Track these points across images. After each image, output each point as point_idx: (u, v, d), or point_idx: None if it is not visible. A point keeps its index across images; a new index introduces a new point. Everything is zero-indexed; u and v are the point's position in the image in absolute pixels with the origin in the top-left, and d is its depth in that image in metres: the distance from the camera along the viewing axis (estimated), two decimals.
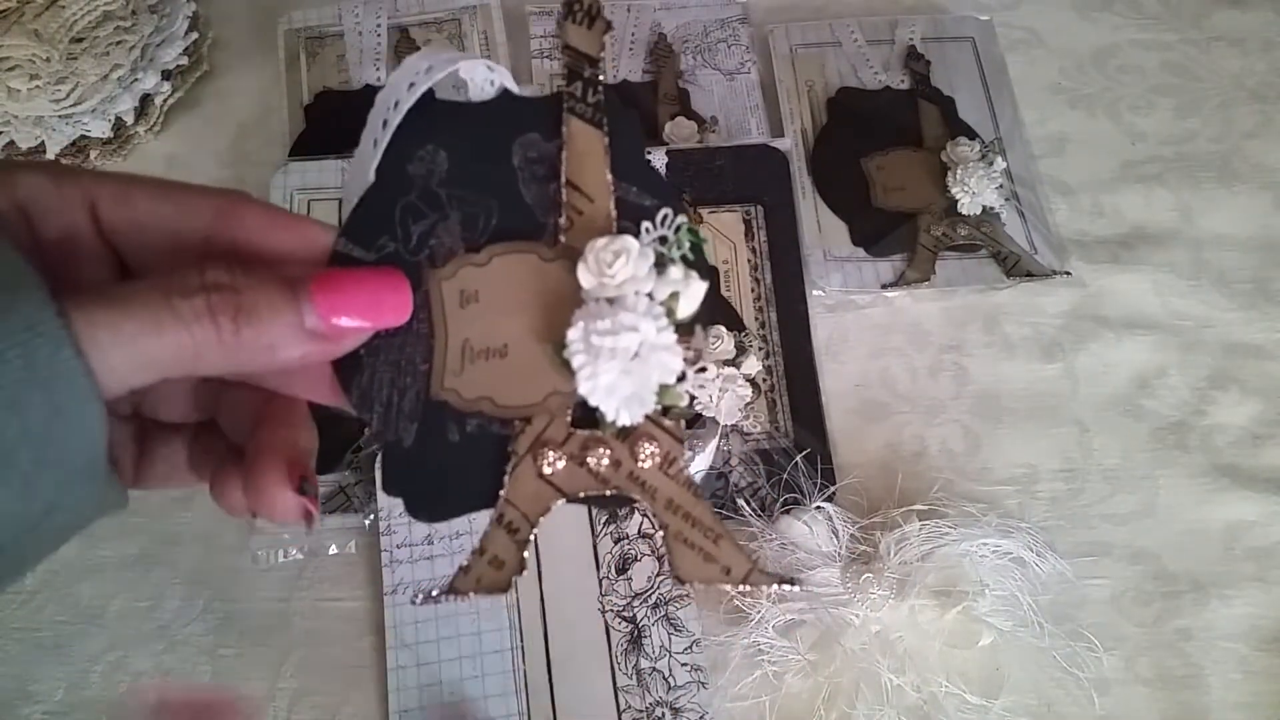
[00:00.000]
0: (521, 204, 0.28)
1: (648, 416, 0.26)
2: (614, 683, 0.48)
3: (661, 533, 0.26)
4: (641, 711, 0.47)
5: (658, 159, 0.59)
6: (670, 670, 0.48)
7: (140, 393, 0.27)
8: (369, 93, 0.65)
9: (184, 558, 0.51)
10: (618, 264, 0.25)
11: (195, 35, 0.65)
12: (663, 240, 0.27)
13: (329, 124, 0.63)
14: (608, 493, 0.27)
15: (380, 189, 0.27)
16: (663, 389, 0.26)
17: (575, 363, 0.25)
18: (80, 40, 0.59)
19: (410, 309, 0.26)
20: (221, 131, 0.65)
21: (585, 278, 0.26)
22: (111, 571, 0.51)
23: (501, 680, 0.48)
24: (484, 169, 0.28)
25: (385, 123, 0.27)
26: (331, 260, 0.27)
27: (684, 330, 0.26)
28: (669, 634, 0.49)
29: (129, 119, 0.62)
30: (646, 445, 0.26)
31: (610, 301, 0.26)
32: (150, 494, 0.35)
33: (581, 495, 0.26)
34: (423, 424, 0.27)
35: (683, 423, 0.27)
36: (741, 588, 0.26)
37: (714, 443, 0.52)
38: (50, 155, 0.61)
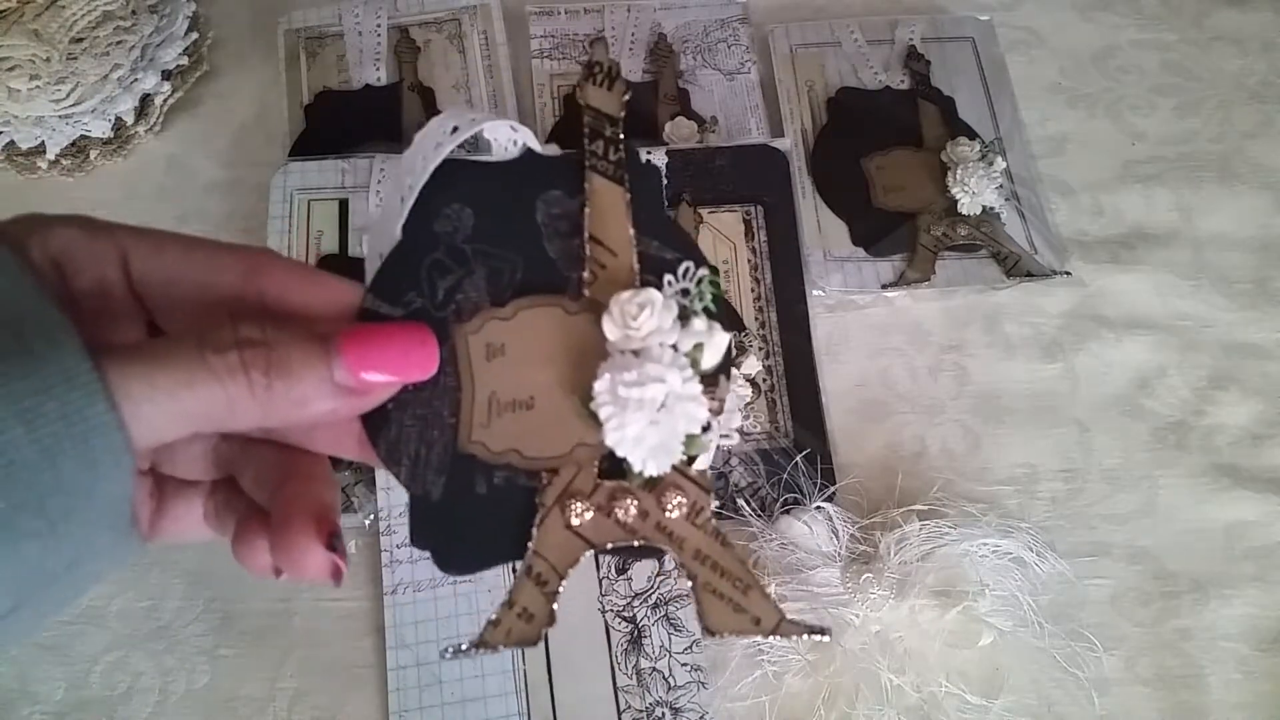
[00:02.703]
0: (546, 259, 0.28)
1: (674, 467, 0.26)
2: (614, 683, 0.48)
3: (690, 583, 0.26)
4: (641, 711, 0.47)
5: (658, 159, 0.59)
6: (670, 670, 0.48)
7: (159, 450, 0.27)
8: (369, 93, 0.65)
9: (184, 558, 0.51)
10: (643, 316, 0.26)
11: (195, 35, 0.65)
12: (685, 293, 0.27)
13: (329, 124, 0.63)
14: (636, 543, 0.27)
15: (407, 246, 0.28)
16: (689, 439, 0.26)
17: (603, 414, 0.26)
18: (80, 40, 0.59)
19: (437, 363, 0.26)
20: (221, 131, 0.65)
21: (610, 330, 0.26)
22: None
23: (501, 680, 0.48)
24: (509, 225, 0.28)
25: (411, 184, 0.27)
26: (359, 316, 0.27)
27: (709, 380, 0.26)
28: (669, 634, 0.49)
29: (129, 119, 0.62)
30: (674, 495, 0.26)
31: (635, 353, 0.26)
32: None
33: (609, 546, 0.27)
34: (450, 477, 0.27)
35: (710, 473, 0.27)
36: (772, 639, 0.26)
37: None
38: (50, 155, 0.61)
